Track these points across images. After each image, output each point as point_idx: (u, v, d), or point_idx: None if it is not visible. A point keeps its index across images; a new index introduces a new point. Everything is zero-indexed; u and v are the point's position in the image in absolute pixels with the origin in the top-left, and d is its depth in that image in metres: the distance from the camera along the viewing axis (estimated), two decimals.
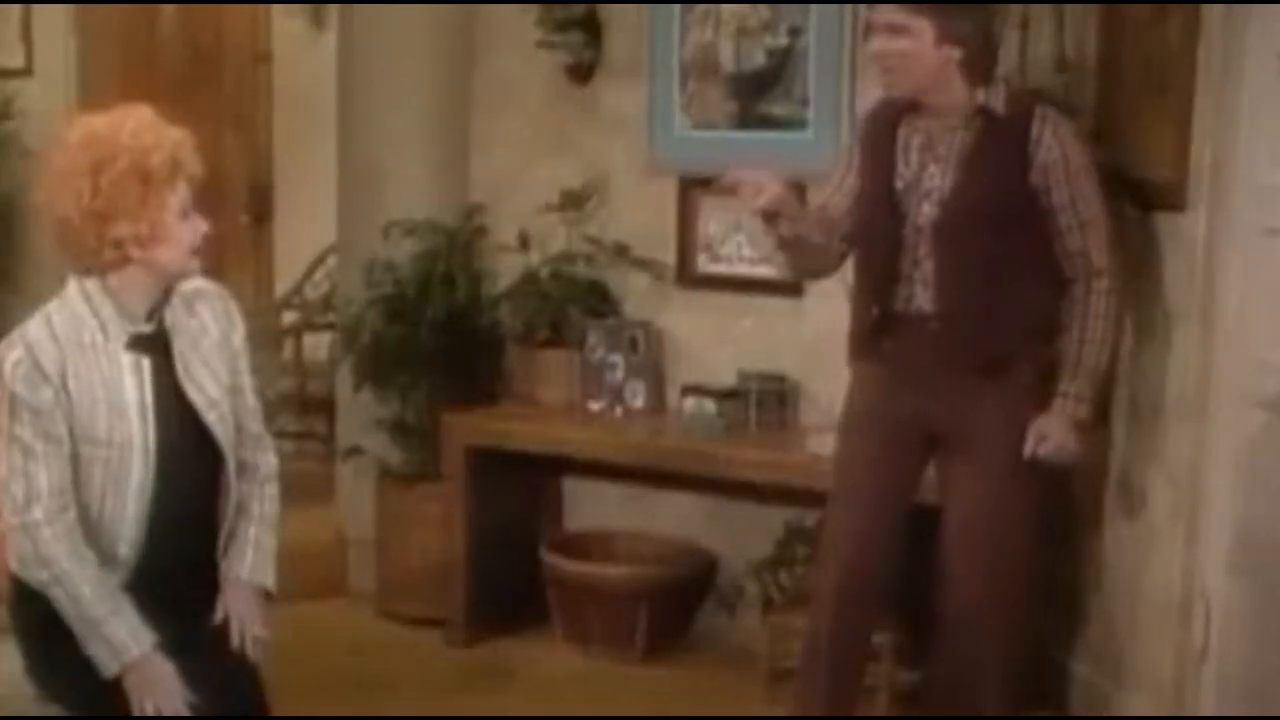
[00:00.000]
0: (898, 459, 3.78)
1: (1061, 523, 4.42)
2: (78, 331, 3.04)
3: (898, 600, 4.09)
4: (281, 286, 7.24)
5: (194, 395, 3.12)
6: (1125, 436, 4.27)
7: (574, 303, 5.22)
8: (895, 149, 3.73)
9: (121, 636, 3.02)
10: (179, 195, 3.01)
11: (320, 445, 6.48)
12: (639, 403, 5.15)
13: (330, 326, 6.39)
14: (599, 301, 5.25)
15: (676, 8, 5.05)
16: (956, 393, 3.68)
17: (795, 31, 4.86)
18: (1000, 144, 3.65)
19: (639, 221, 5.22)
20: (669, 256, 5.17)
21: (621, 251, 5.22)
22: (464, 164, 5.50)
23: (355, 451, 5.43)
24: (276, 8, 7.38)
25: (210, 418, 3.13)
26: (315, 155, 6.48)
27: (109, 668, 3.03)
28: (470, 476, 5.08)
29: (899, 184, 3.71)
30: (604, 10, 5.22)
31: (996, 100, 3.68)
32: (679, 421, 4.93)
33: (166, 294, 3.11)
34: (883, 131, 3.77)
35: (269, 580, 3.24)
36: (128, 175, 2.97)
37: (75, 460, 3.03)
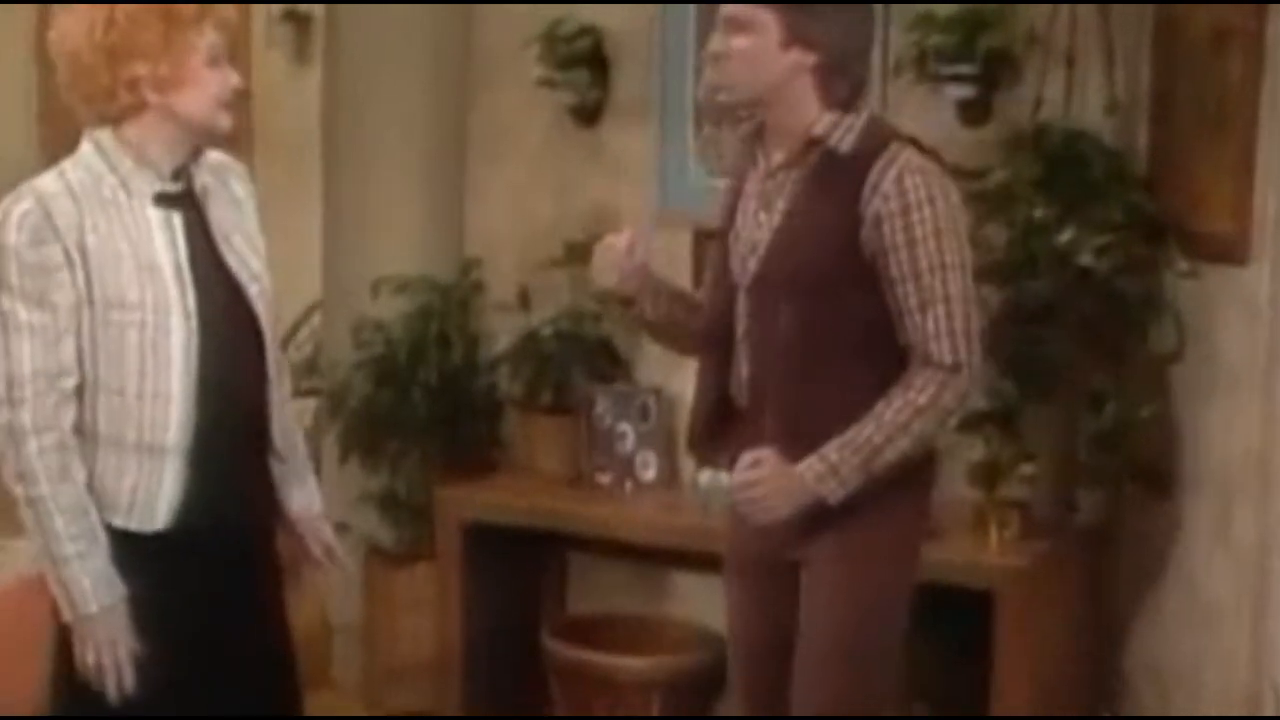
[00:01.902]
0: (764, 603, 3.34)
1: (1111, 607, 4.44)
2: (96, 186, 2.99)
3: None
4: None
5: (233, 262, 3.07)
6: (1186, 513, 4.28)
7: (579, 366, 5.25)
8: (742, 188, 3.32)
9: (83, 586, 2.96)
10: (206, 39, 2.99)
11: None
12: (650, 475, 5.17)
13: (314, 392, 6.40)
14: (607, 364, 5.28)
15: (690, 44, 5.10)
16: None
17: None
18: (831, 189, 3.15)
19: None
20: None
21: (629, 308, 5.22)
22: (459, 214, 5.55)
23: (340, 528, 5.39)
24: (256, 41, 7.45)
25: (253, 291, 3.08)
26: (297, 203, 6.52)
27: (64, 612, 2.99)
28: (466, 555, 5.10)
29: (732, 236, 3.31)
30: (611, 46, 5.28)
31: (845, 131, 3.17)
32: (694, 496, 4.95)
33: (195, 154, 3.07)
34: (742, 167, 3.36)
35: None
36: (147, 10, 2.95)
37: (105, 330, 2.95)
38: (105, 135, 3.02)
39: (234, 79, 3.04)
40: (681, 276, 5.13)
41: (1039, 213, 4.32)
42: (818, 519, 3.14)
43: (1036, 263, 4.31)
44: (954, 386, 3.11)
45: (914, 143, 3.18)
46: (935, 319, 3.10)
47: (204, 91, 3.00)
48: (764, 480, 3.13)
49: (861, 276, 3.13)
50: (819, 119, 3.17)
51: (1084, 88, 4.47)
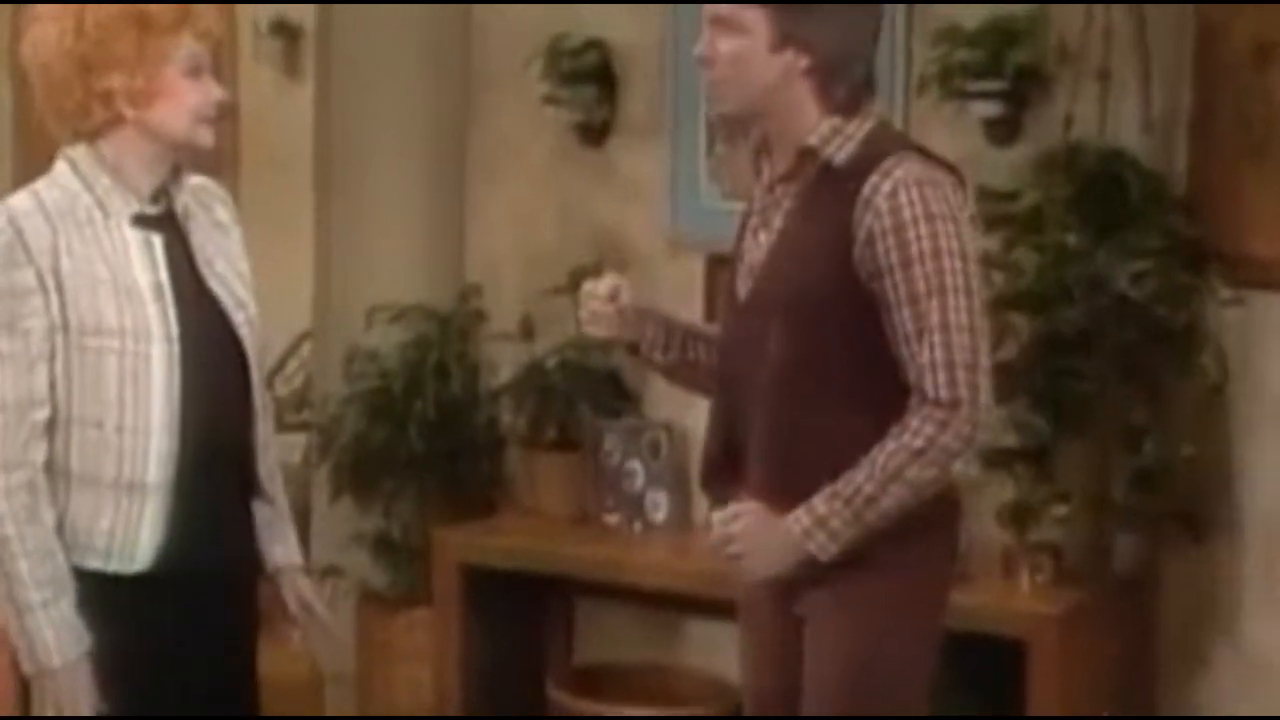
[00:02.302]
0: (773, 655, 3.26)
1: (1150, 658, 4.42)
2: (71, 207, 2.96)
3: None
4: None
5: (217, 288, 3.04)
6: (1231, 559, 4.27)
7: (586, 399, 5.24)
8: (750, 206, 3.23)
9: (46, 637, 2.93)
10: (185, 49, 2.96)
11: None
12: (661, 516, 5.16)
13: (304, 426, 6.40)
14: (615, 398, 5.28)
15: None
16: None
17: None
18: (824, 205, 3.03)
19: (661, 303, 5.19)
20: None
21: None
22: (458, 238, 5.55)
23: (332, 572, 5.43)
24: (243, 55, 7.48)
25: (238, 318, 3.05)
26: (287, 226, 6.52)
27: (23, 664, 2.95)
28: (466, 601, 5.09)
29: (737, 259, 3.21)
30: (619, 61, 5.28)
31: (844, 140, 3.05)
32: (707, 538, 4.91)
33: (175, 174, 3.05)
34: (754, 183, 3.26)
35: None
36: (120, 18, 2.93)
37: (81, 358, 2.92)
38: (81, 152, 3.00)
39: (216, 92, 3.01)
40: (694, 306, 5.14)
41: (1072, 237, 4.31)
42: (819, 567, 3.03)
43: (1069, 290, 4.29)
44: (954, 427, 2.94)
45: (921, 151, 3.07)
46: (932, 349, 2.94)
47: (182, 105, 2.97)
48: (745, 535, 3.04)
49: (857, 302, 2.99)
50: (814, 127, 3.06)
51: (1119, 105, 4.46)
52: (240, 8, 7.44)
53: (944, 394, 2.93)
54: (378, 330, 5.31)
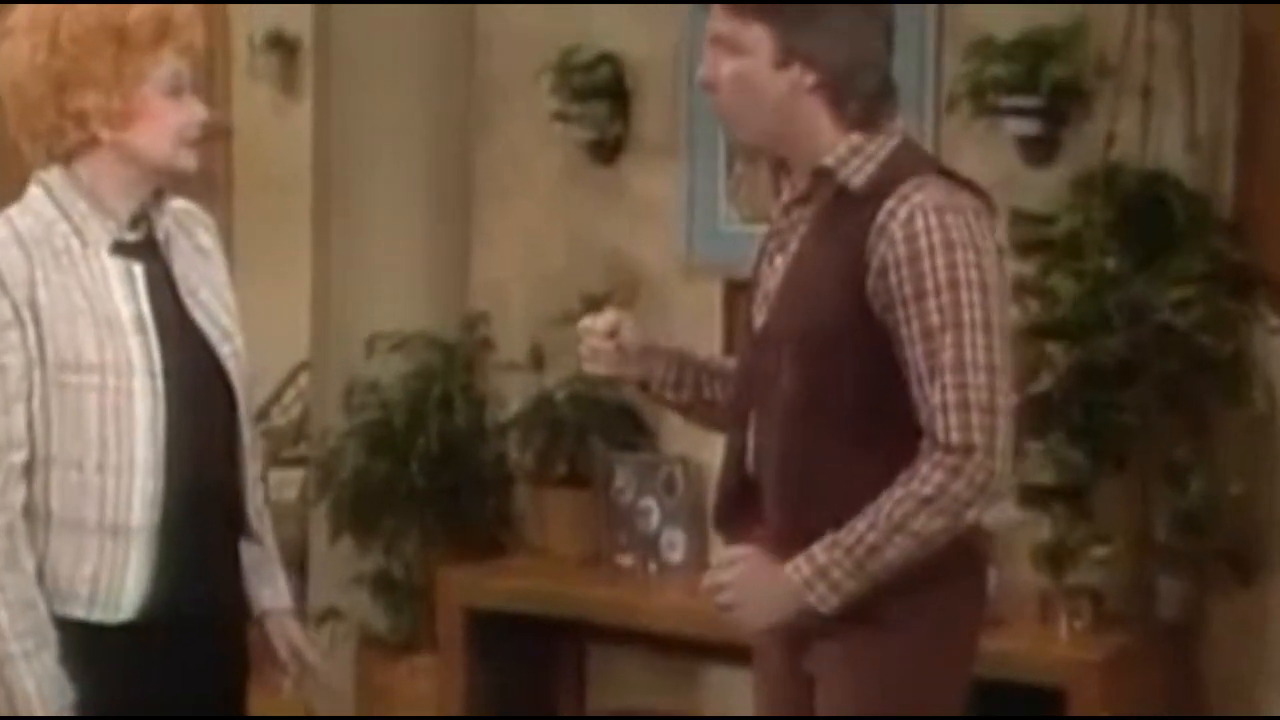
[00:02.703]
0: (783, 710, 3.20)
1: (1196, 708, 4.40)
2: (47, 235, 2.93)
3: None
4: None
5: (201, 319, 3.01)
6: (1278, 604, 4.26)
7: (598, 433, 5.24)
8: (769, 234, 3.18)
9: (27, 689, 2.90)
10: (166, 67, 2.93)
11: None
12: (677, 556, 5.15)
13: (301, 461, 6.40)
14: (628, 431, 5.27)
15: None
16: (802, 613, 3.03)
17: None
18: (838, 231, 2.98)
19: (676, 333, 5.24)
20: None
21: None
22: (464, 263, 5.56)
23: (331, 614, 5.44)
24: (238, 71, 7.50)
25: (224, 350, 3.01)
26: (283, 251, 6.53)
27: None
28: (470, 645, 5.09)
29: (754, 285, 3.17)
30: (632, 75, 5.29)
31: (863, 161, 2.99)
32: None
33: (156, 197, 3.02)
34: (773, 203, 3.22)
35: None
36: (96, 32, 2.90)
37: (59, 395, 2.89)
38: (55, 176, 2.97)
39: (200, 111, 2.98)
40: (711, 335, 5.14)
41: (1111, 262, 4.31)
42: (827, 619, 2.95)
43: (1109, 318, 4.29)
44: (967, 474, 2.85)
45: (946, 174, 3.01)
46: (944, 390, 2.86)
47: (163, 127, 2.94)
48: (739, 583, 2.97)
49: (872, 336, 2.93)
50: (832, 147, 3.00)
51: (1162, 122, 4.45)
52: (234, 20, 7.47)
53: (956, 438, 2.86)
54: (379, 360, 5.32)
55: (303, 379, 6.66)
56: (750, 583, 2.99)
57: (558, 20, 5.33)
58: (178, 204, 3.09)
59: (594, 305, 5.26)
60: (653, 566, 5.17)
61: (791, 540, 2.97)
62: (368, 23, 5.46)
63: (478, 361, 5.42)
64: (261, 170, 7.30)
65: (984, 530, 3.09)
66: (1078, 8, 4.54)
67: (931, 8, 4.79)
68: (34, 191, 2.99)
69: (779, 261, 3.08)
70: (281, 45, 7.43)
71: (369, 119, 5.48)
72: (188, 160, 2.99)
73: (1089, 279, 4.33)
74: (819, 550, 2.91)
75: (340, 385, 5.41)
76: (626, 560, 5.20)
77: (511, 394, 5.43)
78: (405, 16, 5.42)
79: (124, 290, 2.96)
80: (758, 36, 2.98)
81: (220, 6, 7.37)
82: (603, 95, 5.26)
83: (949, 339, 2.86)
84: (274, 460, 7.02)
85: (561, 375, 5.31)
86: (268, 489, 7.01)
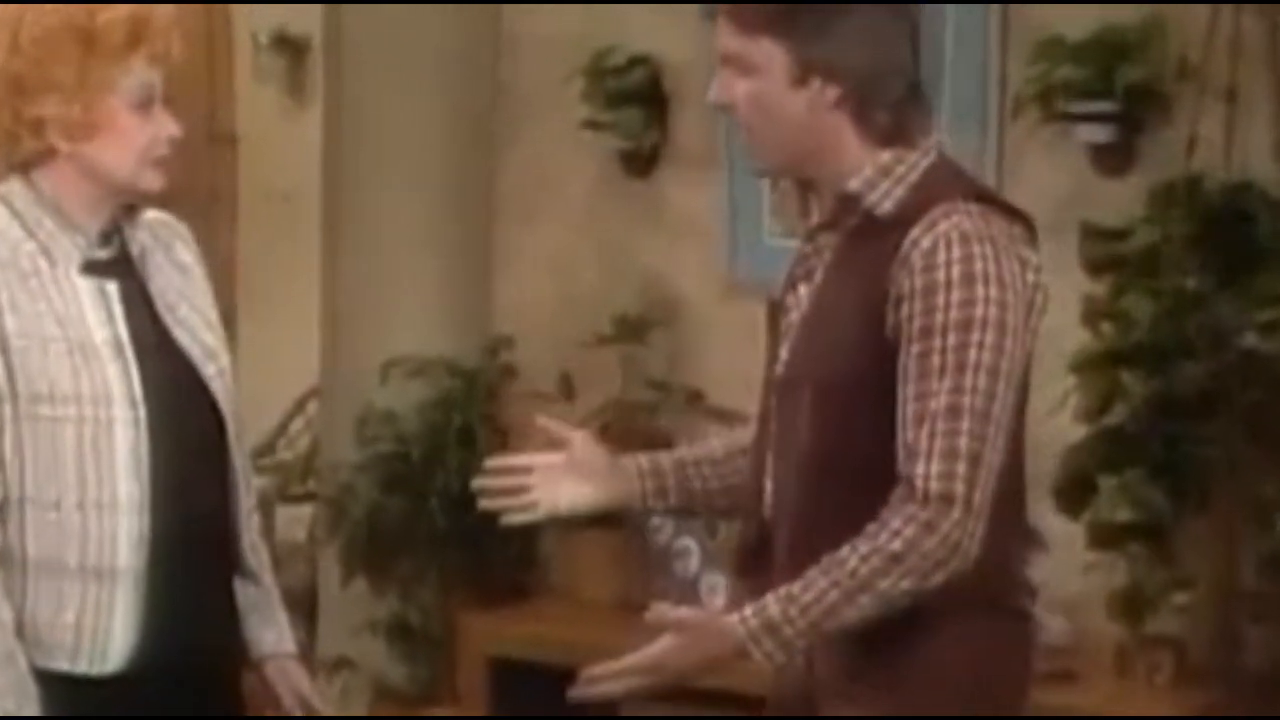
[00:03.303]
0: None
1: None
2: (13, 256, 2.93)
3: None
4: (247, 443, 7.26)
5: (183, 338, 3.02)
6: None
7: None
8: (797, 259, 3.15)
9: None
10: (136, 77, 2.92)
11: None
12: (719, 601, 5.12)
13: (310, 497, 6.41)
14: None
15: None
16: (822, 665, 3.04)
17: None
18: (862, 262, 2.95)
19: (716, 359, 5.23)
20: (756, 406, 5.17)
21: (694, 399, 5.23)
22: (487, 283, 5.56)
23: (342, 664, 5.43)
24: (241, 73, 7.51)
25: (208, 371, 3.02)
26: (291, 269, 6.54)
27: None
28: (493, 698, 5.08)
29: (781, 313, 3.15)
30: (670, 79, 5.28)
31: (893, 184, 2.96)
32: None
33: (129, 212, 3.02)
34: (799, 224, 3.20)
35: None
36: (61, 34, 2.89)
37: (33, 429, 2.89)
38: (16, 190, 2.97)
39: (170, 127, 2.96)
40: (754, 357, 5.08)
41: (1192, 282, 4.30)
42: (842, 680, 2.95)
43: (1190, 343, 4.28)
44: (941, 531, 2.79)
45: (984, 197, 2.96)
46: (932, 436, 2.81)
47: (126, 142, 2.94)
48: (681, 635, 2.95)
49: (894, 380, 2.88)
50: (860, 167, 2.96)
51: (1248, 128, 4.45)
52: (237, 18, 7.49)
53: (935, 486, 2.80)
54: (394, 388, 5.32)
55: (311, 408, 6.67)
56: (690, 635, 2.95)
57: (589, 20, 5.32)
58: (152, 215, 3.09)
59: (627, 328, 5.28)
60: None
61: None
62: (382, 21, 5.46)
63: (501, 390, 5.41)
64: (267, 180, 7.31)
65: (1025, 578, 3.06)
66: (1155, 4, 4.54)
67: (994, 5, 4.78)
68: None
69: (803, 291, 3.05)
70: (288, 45, 7.43)
71: (383, 125, 5.48)
72: (152, 180, 2.98)
73: (1167, 300, 4.31)
74: (772, 602, 2.85)
75: (352, 415, 5.41)
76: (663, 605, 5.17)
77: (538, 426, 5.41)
78: (423, 15, 5.41)
79: (98, 312, 2.97)
80: (769, 53, 2.94)
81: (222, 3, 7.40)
82: (637, 101, 5.25)
83: (948, 383, 2.81)
84: (280, 497, 7.02)
85: (592, 405, 5.29)
86: (274, 528, 7.06)
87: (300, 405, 6.97)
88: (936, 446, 2.80)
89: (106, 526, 2.93)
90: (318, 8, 5.90)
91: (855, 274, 2.93)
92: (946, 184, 2.95)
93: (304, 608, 6.26)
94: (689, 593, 5.15)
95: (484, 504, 3.25)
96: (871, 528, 2.82)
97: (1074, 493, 4.40)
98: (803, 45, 2.93)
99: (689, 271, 5.30)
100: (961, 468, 2.80)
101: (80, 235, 2.98)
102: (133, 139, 2.94)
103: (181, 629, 3.00)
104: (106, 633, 2.96)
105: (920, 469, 2.80)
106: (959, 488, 2.80)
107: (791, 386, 3.01)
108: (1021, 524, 3.08)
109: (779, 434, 3.04)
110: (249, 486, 3.16)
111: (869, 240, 2.92)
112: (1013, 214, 2.96)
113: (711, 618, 2.97)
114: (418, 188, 5.47)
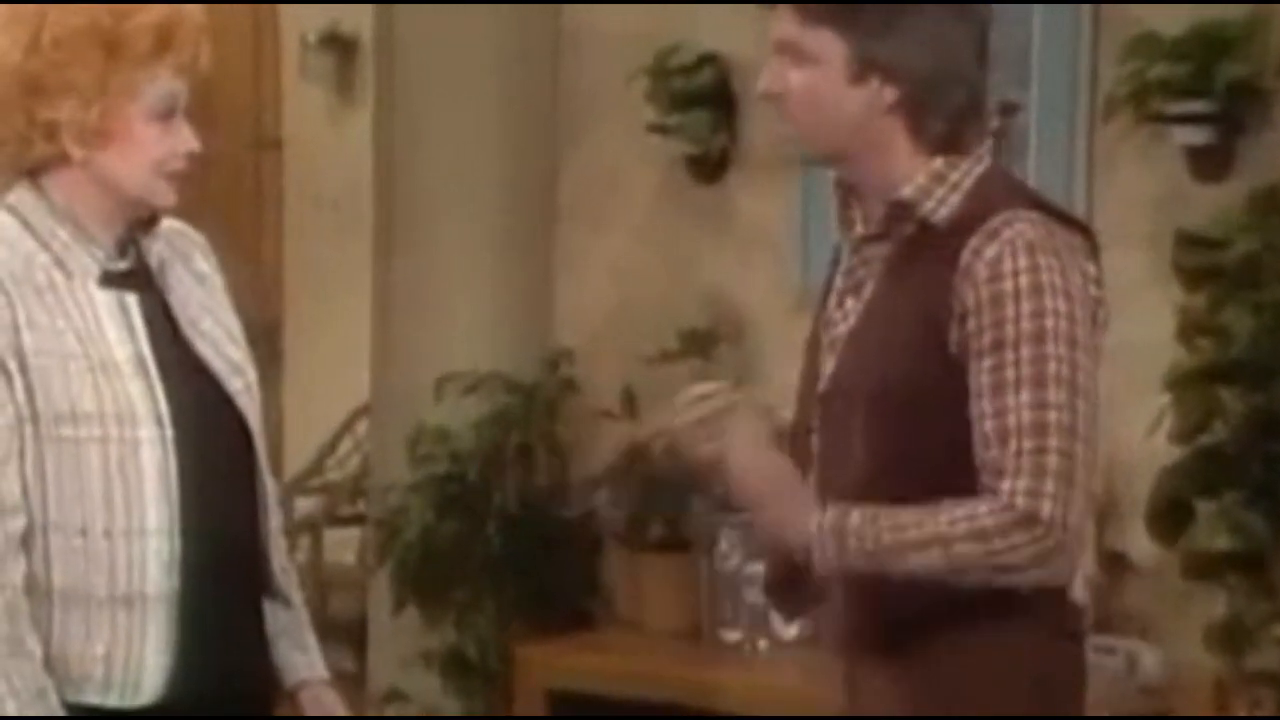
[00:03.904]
0: None
1: None
2: (26, 270, 2.92)
3: None
4: (294, 464, 7.32)
5: (207, 353, 3.02)
6: None
7: (699, 489, 5.22)
8: (835, 270, 3.17)
9: None
10: (159, 86, 2.93)
11: (346, 687, 6.50)
12: (791, 631, 5.12)
13: (360, 520, 6.43)
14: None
15: None
16: (864, 688, 3.10)
17: (1009, 109, 4.88)
18: (918, 273, 2.96)
19: (787, 375, 5.18)
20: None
21: (765, 417, 5.21)
22: (545, 294, 5.57)
23: (394, 697, 5.44)
24: (288, 72, 7.54)
25: (235, 386, 3.02)
26: (341, 280, 6.56)
27: None
28: None
29: (822, 328, 3.16)
30: (740, 79, 5.25)
31: (947, 191, 2.97)
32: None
33: (146, 222, 3.02)
34: (840, 244, 3.20)
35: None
36: (83, 36, 2.89)
37: (56, 451, 2.89)
38: (26, 199, 2.97)
39: (189, 141, 2.97)
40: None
41: None
42: (878, 675, 3.00)
43: None
44: (1034, 532, 2.82)
45: (1041, 206, 2.97)
46: (1019, 455, 2.83)
47: (141, 153, 2.94)
48: (765, 480, 2.98)
49: (958, 395, 2.90)
50: (911, 175, 2.97)
51: None
52: (284, 16, 7.52)
53: (1022, 503, 2.82)
54: (448, 404, 5.32)
55: (361, 426, 6.69)
56: (775, 484, 2.98)
57: (654, 16, 5.33)
58: (168, 225, 3.09)
59: (694, 342, 5.27)
60: (762, 643, 5.14)
61: (869, 634, 3.00)
62: (436, 18, 5.47)
63: (561, 407, 5.41)
64: (314, 186, 7.34)
65: (1074, 600, 3.06)
66: None
67: (1085, 2, 4.77)
68: (3, 220, 2.98)
69: (850, 304, 3.06)
70: (338, 44, 7.47)
71: (437, 128, 5.49)
72: (164, 194, 2.99)
73: (1268, 313, 4.29)
74: (855, 512, 2.89)
75: (404, 433, 5.41)
76: (732, 636, 5.18)
77: (600, 444, 5.42)
78: (480, 12, 5.42)
79: (119, 327, 2.97)
80: (829, 45, 2.95)
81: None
82: (705, 102, 5.25)
83: (1026, 397, 2.83)
84: (328, 519, 7.05)
85: (657, 423, 5.29)
86: (321, 554, 7.09)
87: (350, 423, 7.00)
88: (1025, 466, 2.82)
89: (136, 552, 2.93)
90: (368, 5, 5.92)
91: (911, 285, 2.95)
92: (1003, 192, 2.98)
93: (353, 637, 6.27)
94: (759, 621, 5.15)
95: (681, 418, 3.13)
96: (967, 501, 2.84)
97: (1168, 518, 4.38)
98: (865, 41, 2.93)
99: (759, 283, 5.29)
100: (1051, 485, 2.82)
101: (97, 246, 2.98)
102: (148, 150, 2.95)
103: (215, 657, 3.00)
104: (139, 664, 2.96)
105: (1007, 485, 2.82)
106: (1048, 509, 2.81)
107: (841, 403, 3.03)
108: None
109: (825, 450, 3.06)
110: (275, 505, 3.17)
111: (924, 250, 2.94)
112: (1071, 224, 2.98)
113: (805, 489, 2.98)
114: (473, 194, 5.48)
